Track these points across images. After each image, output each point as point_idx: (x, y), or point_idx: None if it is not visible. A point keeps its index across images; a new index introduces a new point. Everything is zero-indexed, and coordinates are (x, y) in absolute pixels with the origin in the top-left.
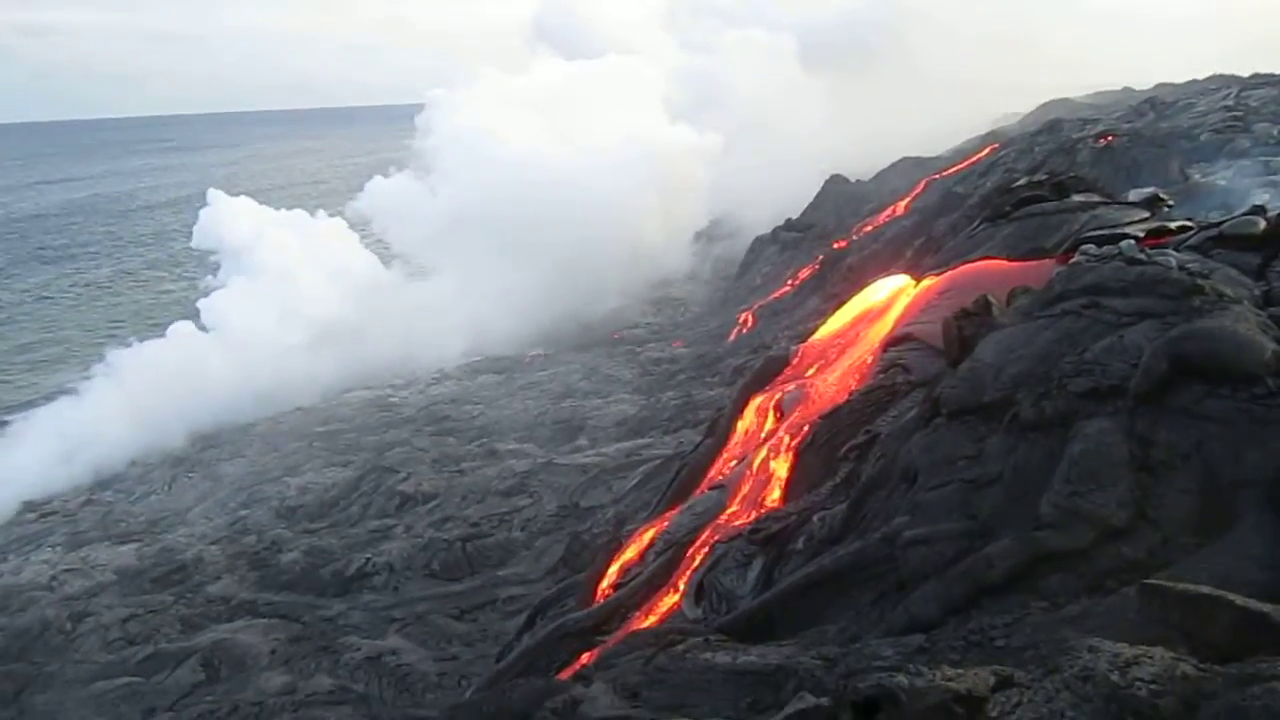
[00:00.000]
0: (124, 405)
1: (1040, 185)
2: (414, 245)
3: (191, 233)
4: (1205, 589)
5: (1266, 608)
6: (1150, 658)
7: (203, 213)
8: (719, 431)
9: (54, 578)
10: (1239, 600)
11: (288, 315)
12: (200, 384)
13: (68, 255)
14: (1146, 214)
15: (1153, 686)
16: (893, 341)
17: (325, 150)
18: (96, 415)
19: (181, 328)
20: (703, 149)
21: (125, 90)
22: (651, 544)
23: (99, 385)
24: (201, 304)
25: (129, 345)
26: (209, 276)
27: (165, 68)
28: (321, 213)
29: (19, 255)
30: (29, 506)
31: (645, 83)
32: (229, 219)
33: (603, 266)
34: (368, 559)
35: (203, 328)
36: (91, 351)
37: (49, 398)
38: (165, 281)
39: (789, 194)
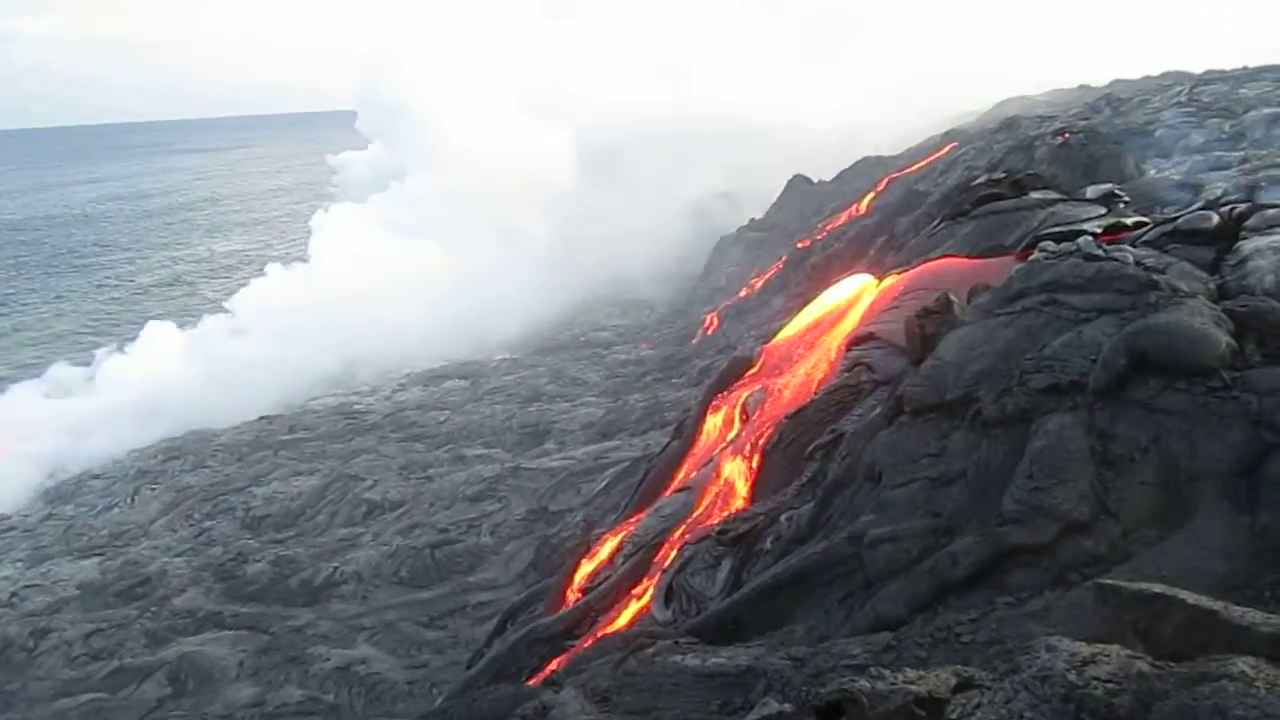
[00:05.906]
0: (86, 417)
1: (999, 183)
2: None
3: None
4: (1158, 588)
5: (1217, 605)
6: (1106, 656)
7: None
8: (686, 433)
9: (14, 594)
10: (1190, 598)
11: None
12: (163, 394)
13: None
14: (1103, 210)
15: (1108, 685)
16: (856, 340)
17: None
18: (58, 427)
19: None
20: None
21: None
22: (620, 547)
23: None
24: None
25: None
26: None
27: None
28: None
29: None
30: None
31: None
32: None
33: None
34: (335, 568)
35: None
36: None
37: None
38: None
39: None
